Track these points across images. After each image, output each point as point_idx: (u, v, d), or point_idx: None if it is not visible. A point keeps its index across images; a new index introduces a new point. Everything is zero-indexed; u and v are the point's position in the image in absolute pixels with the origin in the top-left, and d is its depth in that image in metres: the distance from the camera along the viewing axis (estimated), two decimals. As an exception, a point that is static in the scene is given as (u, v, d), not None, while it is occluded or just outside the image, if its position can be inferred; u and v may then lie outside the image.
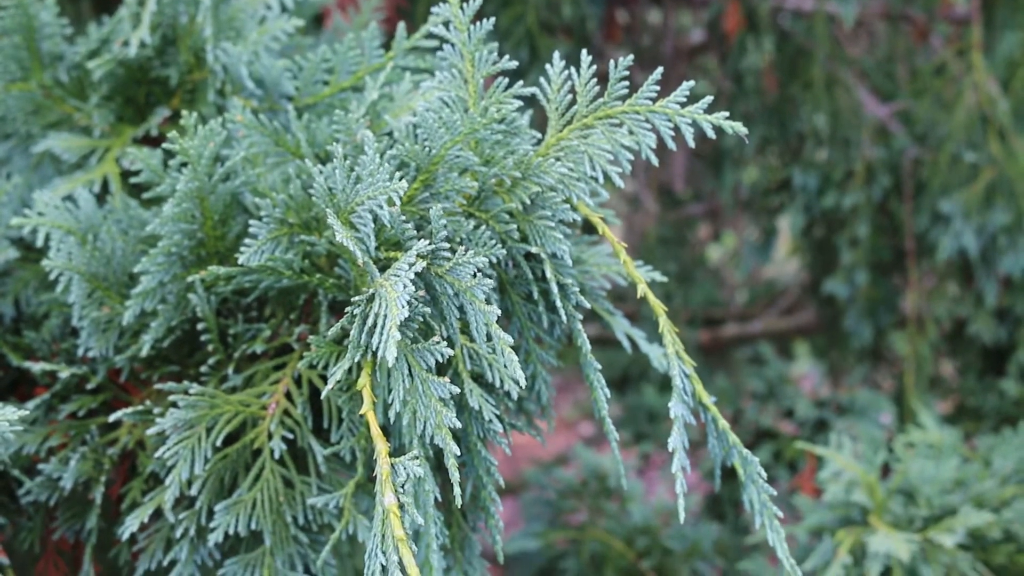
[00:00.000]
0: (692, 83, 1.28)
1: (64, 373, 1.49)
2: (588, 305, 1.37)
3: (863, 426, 3.28)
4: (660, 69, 1.30)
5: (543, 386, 1.46)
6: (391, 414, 1.23)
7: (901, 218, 3.59)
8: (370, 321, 1.19)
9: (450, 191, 1.32)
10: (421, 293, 1.24)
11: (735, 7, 3.49)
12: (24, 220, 1.49)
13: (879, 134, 3.58)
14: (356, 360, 1.24)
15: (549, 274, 1.33)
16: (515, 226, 1.34)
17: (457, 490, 1.18)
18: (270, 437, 1.39)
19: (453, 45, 1.37)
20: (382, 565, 1.12)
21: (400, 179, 1.23)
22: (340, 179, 1.27)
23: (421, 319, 1.23)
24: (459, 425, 1.19)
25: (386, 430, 1.27)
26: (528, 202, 1.33)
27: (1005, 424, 3.29)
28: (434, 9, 1.39)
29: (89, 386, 1.51)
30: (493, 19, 1.36)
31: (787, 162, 3.88)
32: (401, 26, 1.63)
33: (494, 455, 1.38)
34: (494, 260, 1.29)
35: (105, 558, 1.52)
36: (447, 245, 1.24)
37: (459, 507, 1.44)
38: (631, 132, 1.32)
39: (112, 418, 1.42)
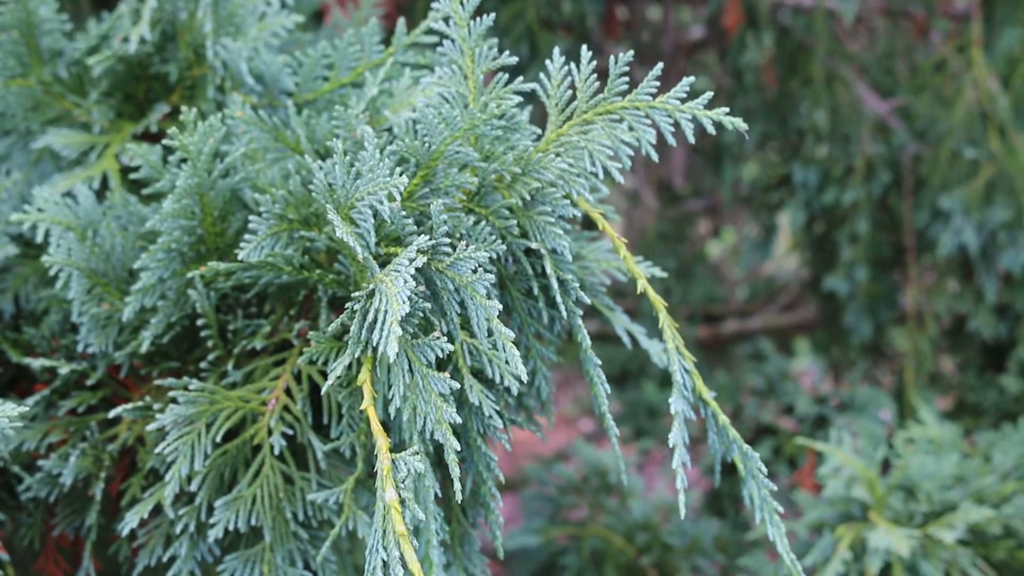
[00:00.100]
0: (692, 79, 1.28)
1: (64, 369, 1.49)
2: (588, 301, 1.37)
3: (863, 422, 3.28)
4: (660, 65, 1.30)
5: (543, 382, 1.46)
6: (391, 410, 1.22)
7: (901, 214, 3.59)
8: (370, 317, 1.19)
9: (450, 187, 1.32)
10: (421, 288, 1.24)
11: (735, 3, 3.49)
12: (24, 216, 1.48)
13: (879, 130, 3.58)
14: (356, 356, 1.24)
15: (549, 270, 1.33)
16: (515, 222, 1.34)
17: (457, 485, 1.18)
18: (270, 433, 1.39)
19: (453, 41, 1.37)
20: (383, 560, 1.12)
21: (400, 175, 1.22)
22: (340, 175, 1.27)
23: (421, 315, 1.23)
24: (459, 421, 1.19)
25: (386, 426, 1.27)
26: (528, 198, 1.33)
27: (1005, 420, 3.29)
28: (434, 5, 1.39)
29: (89, 382, 1.51)
30: (493, 15, 1.36)
31: (787, 158, 3.87)
32: (401, 22, 1.63)
33: (494, 451, 1.38)
34: (494, 256, 1.29)
35: (105, 554, 1.52)
36: (447, 241, 1.24)
37: (459, 503, 1.44)
38: (631, 128, 1.31)
39: (112, 414, 1.42)
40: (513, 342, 1.21)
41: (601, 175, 1.34)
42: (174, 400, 1.35)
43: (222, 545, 1.43)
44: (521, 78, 1.33)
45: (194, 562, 1.41)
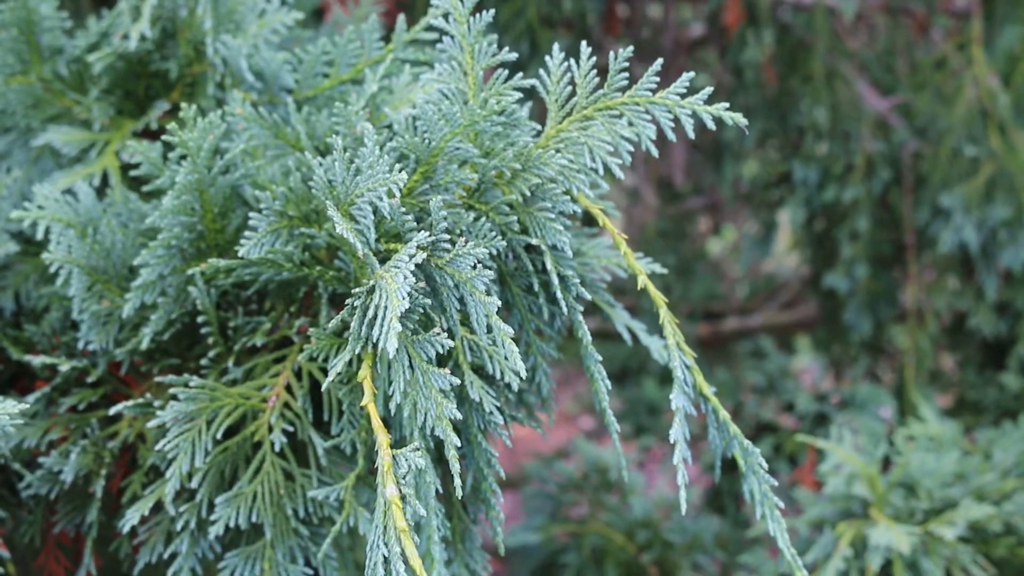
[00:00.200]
0: (692, 74, 1.28)
1: (64, 366, 1.49)
2: (589, 296, 1.37)
3: (863, 419, 3.28)
4: (660, 60, 1.30)
5: (543, 378, 1.46)
6: (392, 406, 1.22)
7: (901, 212, 3.59)
8: (370, 313, 1.19)
9: (450, 183, 1.31)
10: (421, 284, 1.24)
11: (735, 1, 3.48)
12: (24, 213, 1.48)
13: (879, 128, 3.58)
14: (356, 352, 1.24)
15: (549, 265, 1.33)
16: (515, 218, 1.33)
17: (458, 481, 1.18)
18: (270, 430, 1.39)
19: (453, 37, 1.37)
20: (384, 556, 1.12)
21: (400, 171, 1.22)
22: (340, 171, 1.27)
23: (421, 311, 1.23)
24: (460, 417, 1.19)
25: (386, 422, 1.27)
26: (528, 194, 1.33)
27: (1005, 418, 3.29)
28: (434, 1, 1.39)
29: (89, 379, 1.51)
30: (492, 11, 1.36)
31: (787, 156, 3.87)
32: (401, 19, 1.63)
33: (494, 447, 1.38)
34: (494, 252, 1.29)
35: (106, 551, 1.52)
36: (447, 237, 1.24)
37: (460, 499, 1.44)
38: (631, 123, 1.31)
39: (112, 411, 1.42)
40: (513, 338, 1.21)
41: (601, 171, 1.34)
42: (174, 397, 1.35)
43: (223, 542, 1.43)
44: (521, 75, 1.33)
45: (195, 559, 1.41)
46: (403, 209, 1.27)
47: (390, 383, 1.22)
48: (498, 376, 1.24)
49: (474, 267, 1.22)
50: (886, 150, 3.57)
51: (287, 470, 1.41)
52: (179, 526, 1.38)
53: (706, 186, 4.58)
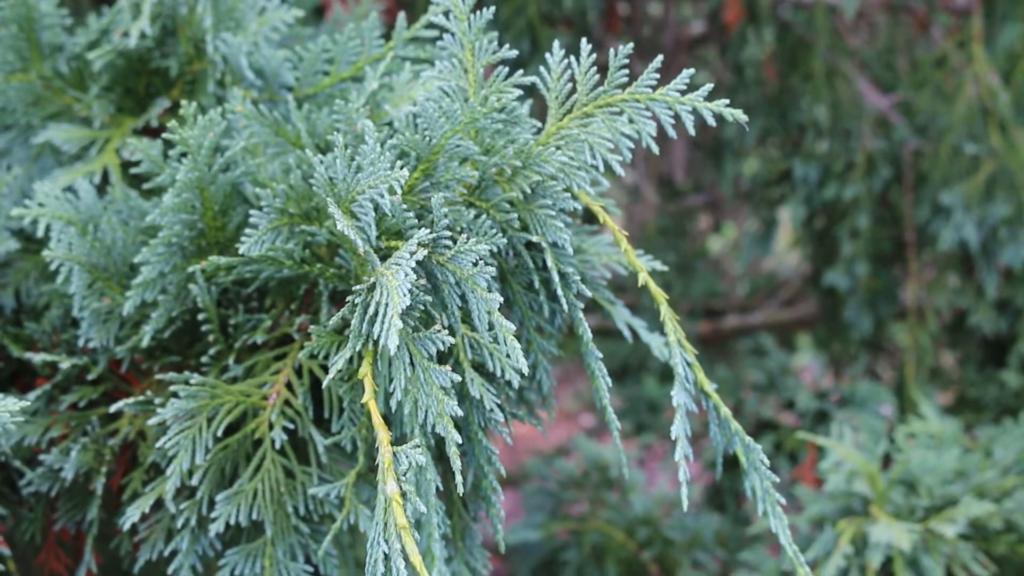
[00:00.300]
0: (692, 71, 1.28)
1: (65, 364, 1.49)
2: (589, 294, 1.37)
3: (864, 417, 3.28)
4: (660, 57, 1.30)
5: (544, 375, 1.46)
6: (392, 403, 1.22)
7: (902, 209, 3.59)
8: (371, 310, 1.19)
9: (451, 180, 1.31)
10: (422, 282, 1.24)
11: (735, -2, 3.48)
12: (24, 211, 1.48)
13: (880, 125, 3.57)
14: (357, 349, 1.24)
15: (550, 263, 1.33)
16: (516, 215, 1.33)
17: (459, 478, 1.18)
18: (271, 427, 1.39)
19: (453, 35, 1.37)
20: (384, 553, 1.12)
21: (401, 168, 1.22)
22: (341, 168, 1.27)
23: (422, 308, 1.23)
24: (461, 414, 1.19)
25: (387, 419, 1.27)
26: (529, 191, 1.33)
27: (1005, 415, 3.29)
28: (434, -1, 1.39)
29: (90, 377, 1.51)
30: (493, 9, 1.36)
31: (787, 153, 3.87)
32: (401, 16, 1.63)
33: (495, 444, 1.38)
34: (495, 249, 1.29)
35: (106, 549, 1.52)
36: (448, 234, 1.24)
37: (460, 496, 1.44)
38: (631, 120, 1.31)
39: (113, 409, 1.42)
40: (514, 335, 1.21)
41: (601, 168, 1.34)
42: (175, 394, 1.35)
43: (223, 539, 1.43)
44: (521, 72, 1.33)
45: (195, 556, 1.41)
46: (404, 206, 1.27)
47: (391, 380, 1.22)
48: (499, 373, 1.24)
49: (475, 264, 1.22)
50: (887, 148, 3.57)
51: (287, 467, 1.41)
52: (179, 523, 1.38)
53: (707, 184, 4.58)
